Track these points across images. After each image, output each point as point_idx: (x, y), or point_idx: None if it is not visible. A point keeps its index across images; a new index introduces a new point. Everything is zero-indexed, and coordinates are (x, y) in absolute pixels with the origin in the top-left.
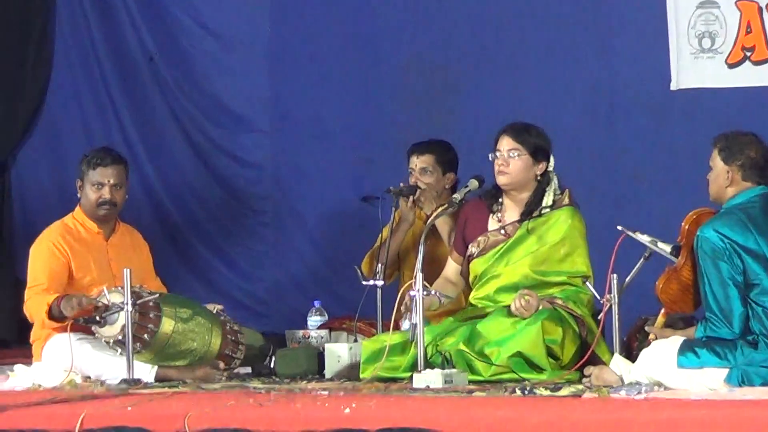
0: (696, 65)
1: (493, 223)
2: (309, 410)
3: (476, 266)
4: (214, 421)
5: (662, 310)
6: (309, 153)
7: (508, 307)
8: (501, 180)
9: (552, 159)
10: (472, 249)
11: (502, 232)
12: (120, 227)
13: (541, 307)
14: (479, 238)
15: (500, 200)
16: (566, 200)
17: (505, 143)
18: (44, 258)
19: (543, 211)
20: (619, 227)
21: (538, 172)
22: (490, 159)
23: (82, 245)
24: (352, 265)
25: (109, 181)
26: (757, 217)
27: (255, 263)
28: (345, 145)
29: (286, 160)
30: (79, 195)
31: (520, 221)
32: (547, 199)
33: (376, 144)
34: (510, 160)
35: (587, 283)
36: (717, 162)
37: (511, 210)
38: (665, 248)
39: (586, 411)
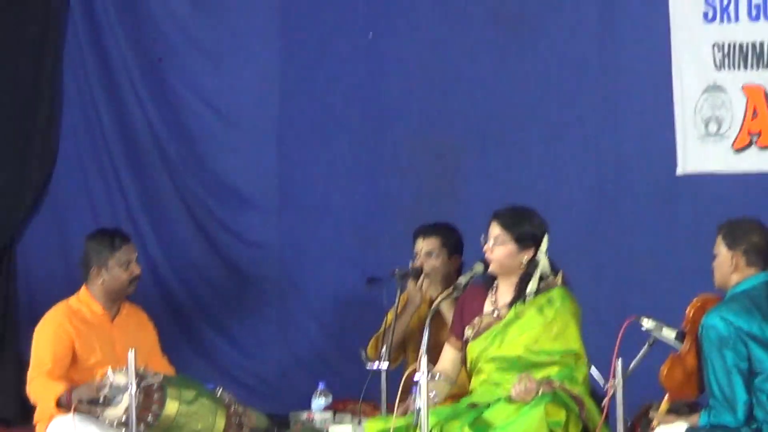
0: (702, 149)
1: (488, 306)
2: None
3: (472, 349)
4: None
5: (666, 396)
6: (314, 233)
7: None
8: (490, 267)
9: (545, 242)
10: (468, 332)
11: (495, 314)
12: (125, 307)
13: (541, 391)
14: (474, 321)
15: (495, 282)
16: (558, 281)
17: (492, 229)
18: (49, 340)
19: (527, 298)
20: (641, 318)
21: (524, 260)
22: (481, 242)
23: (87, 327)
24: (357, 347)
25: (133, 257)
26: (761, 303)
27: (259, 343)
28: (350, 225)
29: (292, 240)
30: (89, 278)
31: (511, 305)
32: (532, 285)
33: (382, 225)
34: (494, 248)
35: (593, 368)
36: (721, 248)
37: (503, 292)
38: (670, 334)
39: None
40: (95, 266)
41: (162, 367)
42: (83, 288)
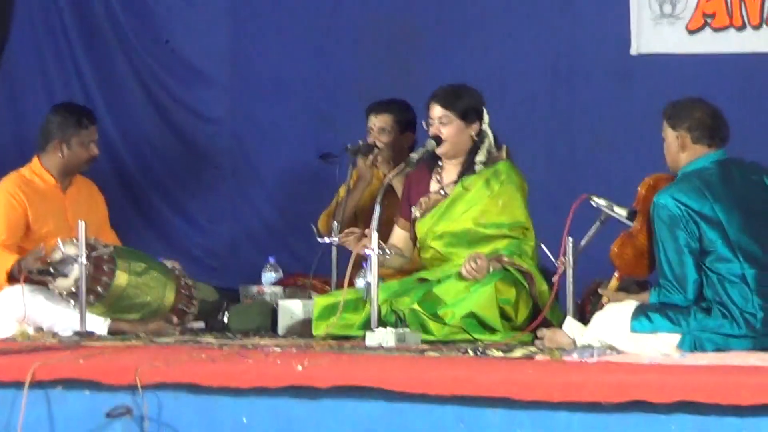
0: (656, 30)
1: (434, 185)
2: (261, 366)
3: (420, 227)
4: (166, 376)
5: (615, 274)
6: (268, 109)
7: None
8: (438, 149)
9: (486, 115)
10: (415, 212)
11: (442, 192)
12: (77, 179)
13: (492, 269)
14: (421, 200)
15: (440, 162)
16: (503, 155)
17: (436, 111)
18: (2, 209)
19: (477, 168)
20: (594, 198)
21: (473, 133)
22: (424, 126)
23: (40, 196)
24: (308, 223)
25: (95, 137)
26: (713, 184)
27: (212, 218)
28: (304, 102)
29: (246, 115)
30: (45, 150)
31: (457, 180)
32: (480, 156)
33: (336, 101)
34: (441, 128)
35: (542, 246)
36: (667, 131)
37: (449, 171)
38: (621, 212)
39: (537, 372)
40: (56, 140)
41: (111, 240)
42: (35, 159)
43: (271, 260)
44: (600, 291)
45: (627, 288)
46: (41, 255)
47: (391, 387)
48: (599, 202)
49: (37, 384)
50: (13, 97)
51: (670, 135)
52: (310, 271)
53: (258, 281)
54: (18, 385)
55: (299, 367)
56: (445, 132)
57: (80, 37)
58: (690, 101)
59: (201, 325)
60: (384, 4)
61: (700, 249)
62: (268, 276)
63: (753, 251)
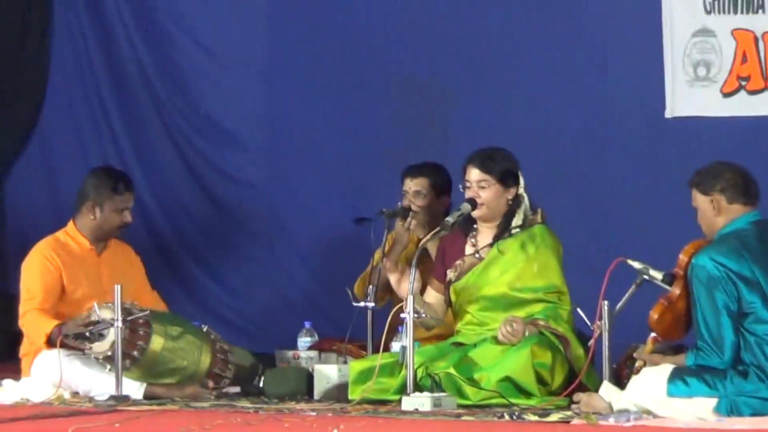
0: (691, 93)
1: (469, 248)
2: (297, 430)
3: (455, 291)
4: None
5: (650, 336)
6: (302, 173)
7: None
8: (475, 213)
9: (522, 180)
10: (450, 275)
11: (477, 255)
12: (112, 243)
13: (527, 333)
14: (456, 263)
15: (475, 226)
16: (538, 219)
17: (474, 174)
18: (38, 272)
19: (513, 231)
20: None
21: (510, 197)
22: (461, 189)
23: (74, 260)
24: (343, 287)
25: (130, 204)
26: (751, 245)
27: (246, 282)
28: (339, 166)
29: (280, 179)
30: (80, 211)
31: (492, 243)
32: (517, 220)
33: (370, 165)
34: (480, 191)
35: (578, 310)
36: (698, 197)
37: (484, 234)
38: (657, 276)
39: None
40: (90, 202)
41: (152, 302)
42: (70, 222)
43: (307, 325)
44: (635, 355)
45: (662, 351)
46: (85, 320)
47: None
48: (635, 265)
49: None
50: (48, 161)
51: (702, 201)
52: (345, 335)
53: (294, 346)
54: None
55: (335, 431)
56: (483, 196)
57: (115, 101)
58: (716, 165)
59: (237, 389)
60: (418, 68)
61: (739, 310)
62: (304, 340)
63: None
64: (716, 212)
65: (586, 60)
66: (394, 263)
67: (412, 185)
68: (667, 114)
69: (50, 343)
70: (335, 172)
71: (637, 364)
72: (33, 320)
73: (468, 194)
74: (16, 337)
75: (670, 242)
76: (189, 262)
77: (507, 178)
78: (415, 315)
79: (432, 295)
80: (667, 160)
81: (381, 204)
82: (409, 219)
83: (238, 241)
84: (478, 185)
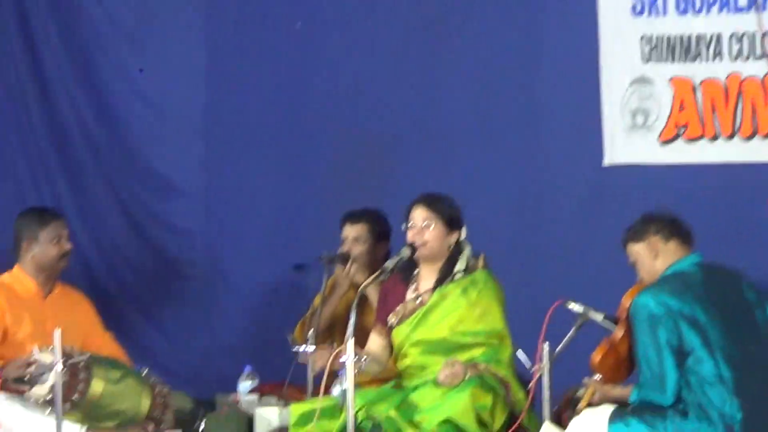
0: (629, 141)
1: (410, 293)
2: None
3: (397, 335)
4: None
5: (593, 379)
6: (242, 220)
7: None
8: (419, 252)
9: (464, 228)
10: (391, 320)
11: (418, 300)
12: (59, 287)
13: (468, 375)
14: (398, 308)
15: (416, 271)
16: (480, 264)
17: (419, 213)
18: None
19: (456, 277)
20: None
21: (452, 241)
22: (403, 230)
23: (19, 302)
24: (283, 333)
25: (64, 233)
26: (694, 285)
27: (186, 329)
28: (278, 213)
29: (219, 227)
30: (20, 255)
31: (434, 288)
32: (460, 265)
33: (309, 213)
34: (425, 230)
35: (520, 351)
36: (633, 248)
37: (426, 279)
38: (597, 317)
39: None
40: (26, 241)
41: (105, 344)
42: (16, 266)
43: (247, 369)
44: (585, 381)
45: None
46: (25, 363)
47: None
48: (575, 307)
49: None
50: None
51: (638, 249)
52: (285, 380)
53: (234, 391)
54: None
55: None
56: (427, 235)
57: (53, 149)
58: (643, 215)
59: None
60: (358, 119)
61: (680, 348)
62: (245, 384)
63: (732, 353)
64: (654, 255)
65: (524, 110)
66: (333, 309)
67: (351, 231)
68: (606, 162)
69: None
70: (273, 219)
71: (579, 406)
72: None
73: (410, 235)
74: None
75: (610, 291)
76: (128, 309)
77: (452, 222)
78: (356, 359)
79: (374, 340)
80: (606, 207)
81: (321, 250)
82: (348, 265)
83: (178, 288)
84: (424, 224)
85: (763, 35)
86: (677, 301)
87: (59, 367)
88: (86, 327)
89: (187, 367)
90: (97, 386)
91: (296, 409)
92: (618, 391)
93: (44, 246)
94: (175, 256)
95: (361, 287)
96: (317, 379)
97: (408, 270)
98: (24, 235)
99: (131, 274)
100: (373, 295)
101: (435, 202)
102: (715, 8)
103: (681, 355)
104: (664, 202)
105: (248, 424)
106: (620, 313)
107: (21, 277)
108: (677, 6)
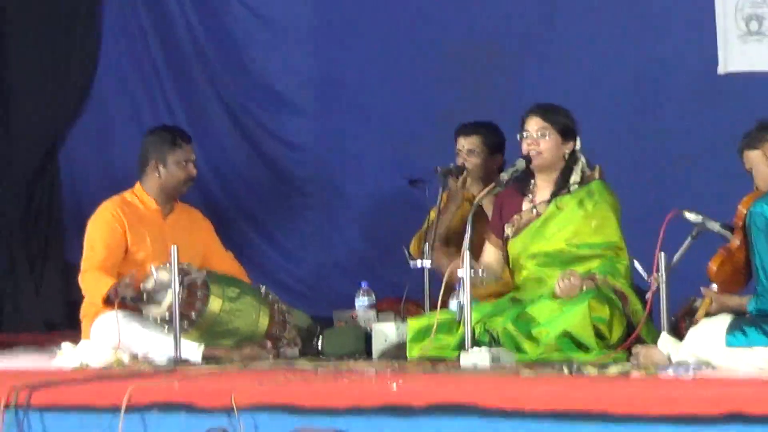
0: (743, 48)
1: (526, 204)
2: (356, 386)
3: (513, 247)
4: (261, 397)
5: (709, 288)
6: (355, 135)
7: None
8: (534, 162)
9: (579, 139)
10: (508, 231)
11: (534, 211)
12: (179, 206)
13: (585, 287)
14: (514, 219)
15: (532, 182)
16: (596, 175)
17: (534, 123)
18: (102, 230)
19: (572, 188)
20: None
21: (567, 151)
22: (519, 140)
23: (140, 220)
24: (398, 248)
25: (192, 157)
26: None
27: (301, 245)
28: (391, 127)
29: (332, 142)
30: (144, 173)
31: (550, 200)
32: (575, 176)
33: (422, 126)
34: (540, 140)
35: (636, 262)
36: (749, 155)
37: (542, 190)
38: (714, 226)
39: (633, 388)
40: (153, 161)
41: (226, 263)
42: (137, 184)
43: (364, 285)
44: (702, 291)
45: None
46: (132, 282)
47: (486, 404)
48: (691, 216)
49: (133, 408)
50: (102, 129)
51: (754, 157)
52: (402, 295)
53: (351, 307)
54: (114, 409)
55: (394, 386)
56: (543, 145)
57: (167, 67)
58: (759, 122)
59: (295, 350)
60: (469, 29)
61: None
62: (362, 300)
63: None
64: None
65: (637, 18)
66: (448, 222)
67: (465, 143)
68: (720, 70)
69: (107, 302)
70: (387, 133)
71: (696, 316)
72: (92, 278)
73: (525, 144)
74: (76, 306)
75: (724, 200)
76: (244, 226)
77: (566, 132)
78: (473, 273)
79: (490, 252)
80: (721, 115)
81: (434, 164)
82: (463, 177)
83: (293, 205)
84: (539, 133)
85: None
86: None
87: (176, 285)
88: (206, 246)
89: (303, 283)
90: (215, 304)
91: (413, 323)
92: (736, 300)
93: (171, 168)
94: (289, 173)
95: (477, 199)
96: (434, 293)
97: (523, 181)
98: (152, 154)
99: (246, 192)
100: (488, 207)
101: (549, 112)
102: None
103: None
104: None
105: (366, 339)
106: (737, 222)
107: (142, 196)
108: None
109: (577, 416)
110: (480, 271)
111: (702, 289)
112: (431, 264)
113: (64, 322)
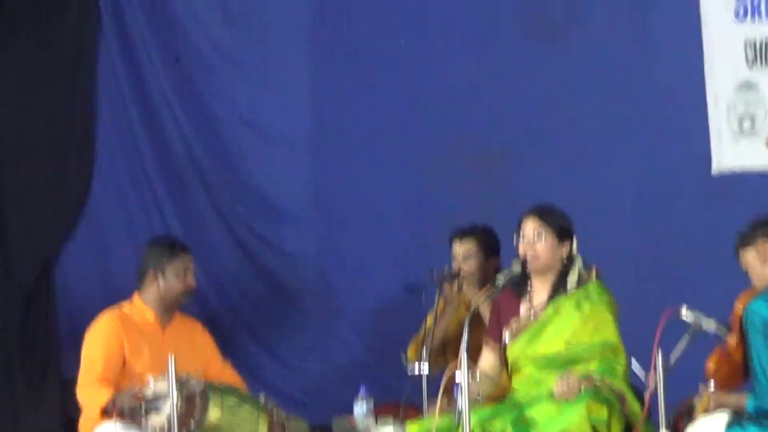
0: (737, 148)
1: (523, 308)
2: None
3: (511, 351)
4: None
5: (708, 389)
6: (352, 243)
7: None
8: (530, 266)
9: (575, 239)
10: (506, 335)
11: (532, 315)
12: (177, 317)
13: (583, 388)
14: (512, 323)
15: (528, 284)
16: (593, 276)
17: (530, 226)
18: (101, 343)
19: (569, 290)
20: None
21: (564, 253)
22: (515, 245)
23: (138, 333)
24: (397, 355)
25: (190, 267)
26: None
27: (300, 355)
28: (388, 234)
29: (329, 250)
30: (143, 284)
31: (548, 302)
32: (572, 279)
33: (420, 233)
34: (536, 243)
35: (633, 361)
36: (744, 255)
37: (539, 292)
38: (710, 324)
39: None
40: (152, 271)
41: (224, 373)
42: (136, 295)
43: (363, 390)
44: (700, 389)
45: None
46: (132, 393)
47: None
48: (687, 314)
49: None
50: (98, 243)
51: (749, 256)
52: (400, 401)
53: (350, 414)
54: None
55: None
56: (538, 247)
57: (162, 180)
58: (752, 220)
59: None
60: (465, 133)
61: None
62: (360, 406)
63: None
64: (764, 259)
65: (632, 120)
66: (445, 327)
67: (460, 248)
68: (714, 170)
69: (105, 414)
70: (384, 240)
71: (695, 413)
72: (90, 391)
73: (522, 248)
74: (74, 422)
75: (721, 298)
76: (242, 337)
77: (563, 234)
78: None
79: (486, 357)
80: (716, 215)
81: (432, 268)
82: (459, 281)
83: (290, 314)
84: (535, 235)
85: None
86: None
87: (174, 395)
88: (206, 357)
89: (302, 392)
90: (214, 413)
91: (412, 428)
92: (734, 399)
93: (170, 278)
94: (286, 281)
95: (473, 303)
96: (432, 399)
97: (520, 285)
98: (151, 264)
99: (243, 302)
100: (485, 312)
101: (546, 214)
102: None
103: None
104: None
105: None
106: (733, 320)
107: (141, 308)
108: None
109: None
110: (478, 375)
111: (700, 386)
112: (429, 368)
113: None
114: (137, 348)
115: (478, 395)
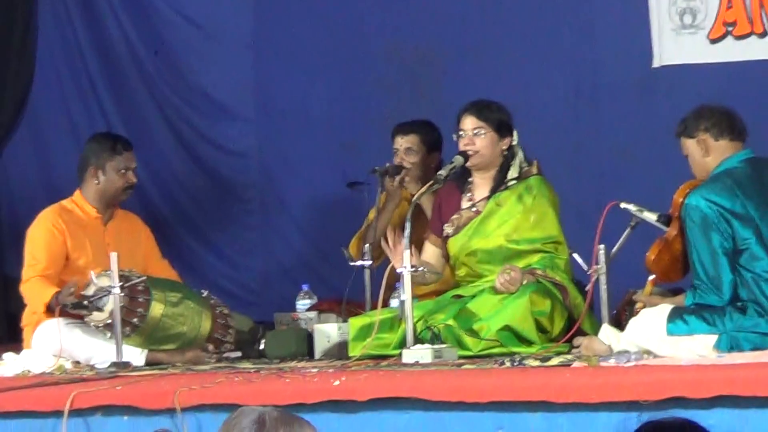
0: (678, 41)
1: (465, 203)
2: (298, 384)
3: (453, 245)
4: (204, 397)
5: (649, 279)
6: (294, 141)
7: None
8: (470, 161)
9: (515, 133)
10: (447, 229)
11: (473, 209)
12: (119, 213)
13: (525, 281)
14: (453, 218)
15: (470, 180)
16: (534, 170)
17: (469, 122)
18: (42, 238)
19: (510, 184)
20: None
21: (504, 147)
22: (454, 139)
23: (79, 227)
24: (339, 250)
25: (132, 165)
26: (743, 182)
27: (242, 252)
28: (330, 131)
29: (272, 148)
30: (84, 180)
31: (489, 196)
32: (513, 172)
33: (361, 130)
34: (476, 139)
35: (575, 254)
36: (686, 143)
37: (481, 187)
38: (652, 216)
39: (575, 377)
40: (92, 167)
41: (163, 270)
42: (77, 191)
43: (305, 287)
44: (635, 298)
45: (661, 293)
46: (74, 289)
47: (429, 396)
48: (629, 207)
49: (76, 412)
50: (39, 140)
51: (690, 145)
52: (343, 296)
53: (292, 310)
54: (57, 413)
55: (336, 383)
56: (478, 143)
57: (104, 78)
58: (698, 107)
59: (238, 354)
60: (405, 31)
61: (734, 248)
62: (303, 303)
63: None
64: (705, 152)
65: (573, 16)
66: (387, 221)
67: (402, 142)
68: (655, 63)
69: (49, 310)
70: (326, 138)
71: (636, 307)
72: (34, 287)
73: (461, 144)
74: (13, 319)
75: (663, 189)
76: (184, 234)
77: (502, 128)
78: (413, 269)
79: (429, 251)
80: (657, 109)
81: (372, 166)
82: (400, 175)
83: (233, 211)
84: (474, 132)
85: None
86: (727, 200)
87: (117, 290)
88: (146, 252)
89: (244, 289)
90: (157, 309)
91: (355, 322)
92: (668, 301)
93: (110, 175)
94: (229, 179)
95: (415, 197)
96: (375, 293)
97: (462, 179)
98: (91, 160)
99: (186, 199)
100: (427, 205)
101: (484, 109)
102: None
103: (735, 254)
104: (714, 100)
105: (308, 340)
106: (673, 211)
107: (82, 203)
108: None
109: (520, 406)
110: (420, 268)
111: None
112: (371, 263)
113: (5, 335)
114: (80, 243)
115: (423, 279)
